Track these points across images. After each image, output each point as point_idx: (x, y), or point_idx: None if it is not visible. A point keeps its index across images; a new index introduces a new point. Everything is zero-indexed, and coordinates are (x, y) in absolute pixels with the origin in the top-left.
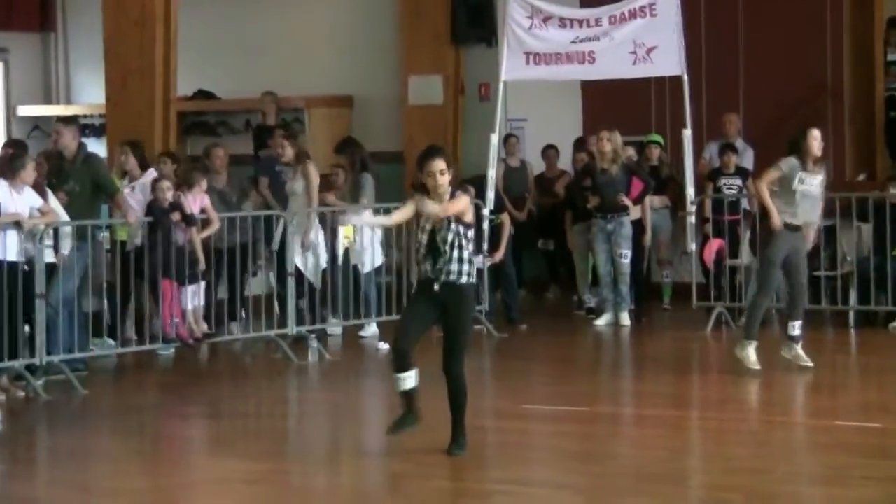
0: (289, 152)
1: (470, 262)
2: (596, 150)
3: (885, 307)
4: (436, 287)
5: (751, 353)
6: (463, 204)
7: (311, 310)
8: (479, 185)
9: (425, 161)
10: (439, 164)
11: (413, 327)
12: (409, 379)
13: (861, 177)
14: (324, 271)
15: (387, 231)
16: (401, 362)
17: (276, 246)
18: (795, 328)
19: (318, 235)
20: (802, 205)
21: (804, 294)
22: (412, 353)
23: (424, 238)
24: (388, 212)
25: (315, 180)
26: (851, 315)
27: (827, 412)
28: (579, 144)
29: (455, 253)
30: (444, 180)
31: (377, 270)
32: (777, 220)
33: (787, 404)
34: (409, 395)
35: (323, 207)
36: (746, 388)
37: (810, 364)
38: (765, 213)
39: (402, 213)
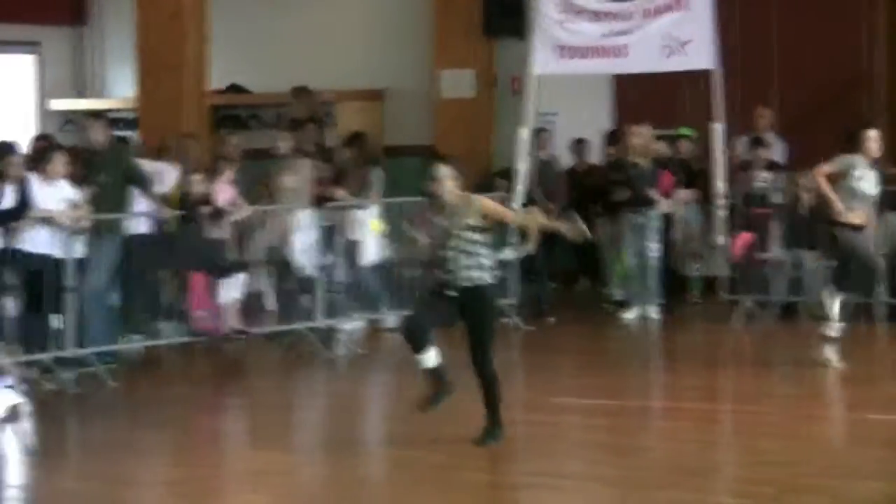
0: (284, 146)
1: (483, 266)
2: (628, 144)
3: None
4: (454, 292)
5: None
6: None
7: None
8: (509, 177)
9: (433, 170)
10: (440, 172)
11: (423, 310)
12: (430, 357)
13: (894, 169)
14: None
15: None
16: (415, 341)
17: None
18: (834, 329)
19: (310, 232)
20: (859, 204)
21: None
22: (426, 331)
23: (438, 241)
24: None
25: (306, 175)
26: (882, 308)
27: (859, 405)
28: (611, 138)
29: (472, 258)
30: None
31: (380, 265)
32: (839, 206)
33: (819, 397)
34: (435, 373)
35: (333, 203)
36: (777, 381)
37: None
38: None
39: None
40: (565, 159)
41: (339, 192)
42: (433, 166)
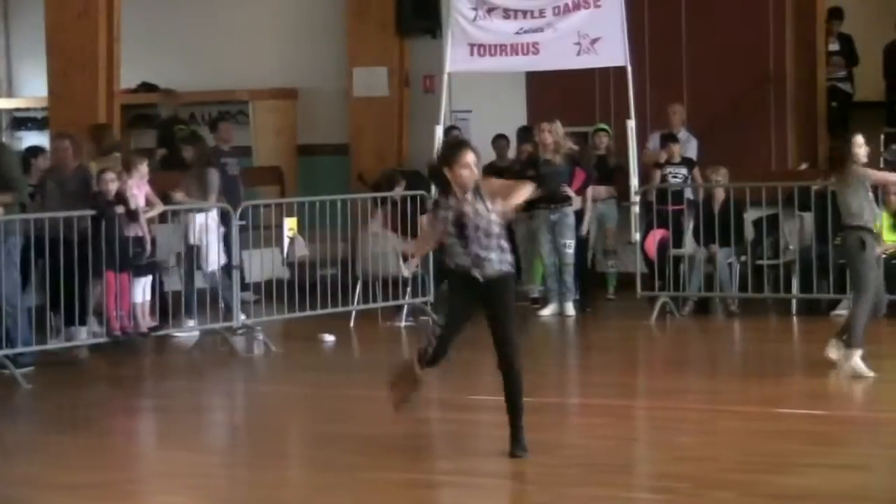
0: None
1: (506, 252)
2: (538, 141)
3: (827, 295)
4: (478, 276)
5: (859, 363)
6: (522, 190)
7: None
8: (415, 178)
9: (458, 152)
10: (472, 156)
11: (457, 324)
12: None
13: (803, 166)
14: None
15: (326, 222)
16: (435, 360)
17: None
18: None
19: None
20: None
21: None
22: (448, 351)
23: (453, 229)
24: (327, 204)
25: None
26: (794, 303)
27: (771, 400)
28: (523, 134)
29: (494, 241)
30: (475, 173)
31: (224, 268)
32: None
33: (732, 393)
34: (417, 376)
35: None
36: (691, 377)
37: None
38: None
39: (432, 230)
40: (485, 156)
41: (178, 195)
42: (463, 151)
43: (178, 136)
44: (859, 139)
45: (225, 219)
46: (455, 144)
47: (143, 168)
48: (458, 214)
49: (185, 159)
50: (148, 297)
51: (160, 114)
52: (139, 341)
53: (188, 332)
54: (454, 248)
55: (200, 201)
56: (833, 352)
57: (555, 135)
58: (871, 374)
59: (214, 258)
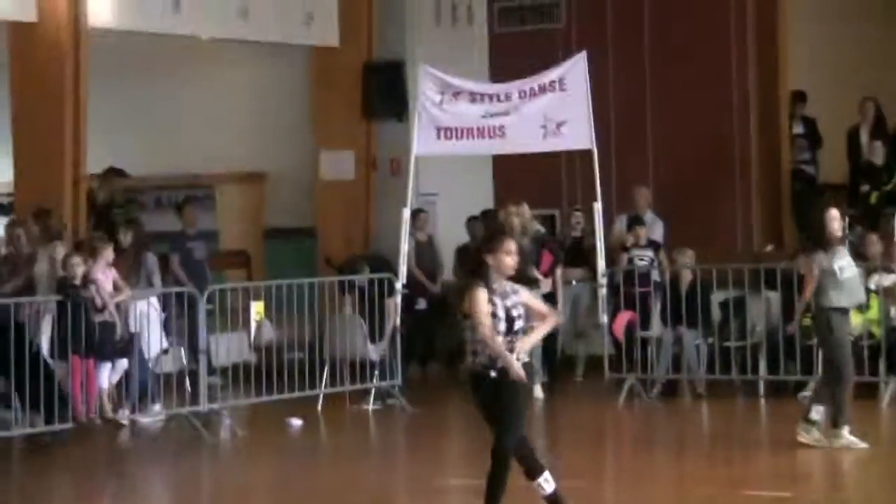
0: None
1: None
2: (505, 224)
3: (794, 377)
4: (493, 374)
5: (849, 436)
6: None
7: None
8: (378, 262)
9: (503, 239)
10: (515, 245)
11: (521, 423)
12: (548, 480)
13: (769, 247)
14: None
15: (293, 305)
16: (531, 464)
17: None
18: (819, 412)
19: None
20: (848, 285)
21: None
22: (533, 450)
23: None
24: (294, 287)
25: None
26: (761, 384)
27: (739, 482)
28: (486, 217)
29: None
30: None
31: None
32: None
33: (700, 475)
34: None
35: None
36: (659, 458)
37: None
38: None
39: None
40: (459, 237)
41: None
42: (506, 240)
43: (117, 220)
44: (834, 212)
45: (192, 303)
46: (499, 231)
47: (109, 253)
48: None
49: (120, 243)
50: (114, 382)
51: (97, 197)
52: (104, 427)
53: (154, 416)
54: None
55: (135, 286)
56: (804, 436)
57: (521, 217)
58: (863, 444)
59: (156, 344)
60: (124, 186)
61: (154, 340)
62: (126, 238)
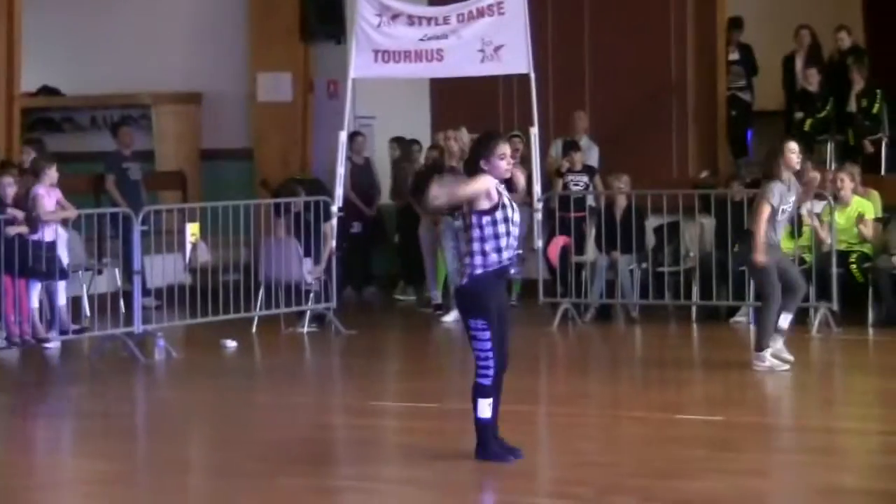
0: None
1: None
2: (444, 148)
3: (726, 302)
4: (513, 271)
5: (772, 359)
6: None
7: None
8: (314, 186)
9: (496, 141)
10: (507, 148)
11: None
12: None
13: (704, 174)
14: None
15: (228, 227)
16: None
17: None
18: (786, 320)
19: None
20: (782, 226)
21: (802, 287)
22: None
23: (502, 225)
24: (230, 209)
25: None
26: (694, 310)
27: (671, 406)
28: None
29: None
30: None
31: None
32: (761, 258)
33: (633, 399)
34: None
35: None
36: (593, 383)
37: (789, 362)
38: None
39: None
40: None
41: None
42: (497, 140)
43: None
44: (793, 145)
45: (127, 223)
46: (492, 135)
47: (53, 172)
48: (503, 206)
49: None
50: (62, 302)
51: None
52: (38, 347)
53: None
54: (492, 243)
55: None
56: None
57: (460, 142)
58: (790, 358)
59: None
60: (60, 105)
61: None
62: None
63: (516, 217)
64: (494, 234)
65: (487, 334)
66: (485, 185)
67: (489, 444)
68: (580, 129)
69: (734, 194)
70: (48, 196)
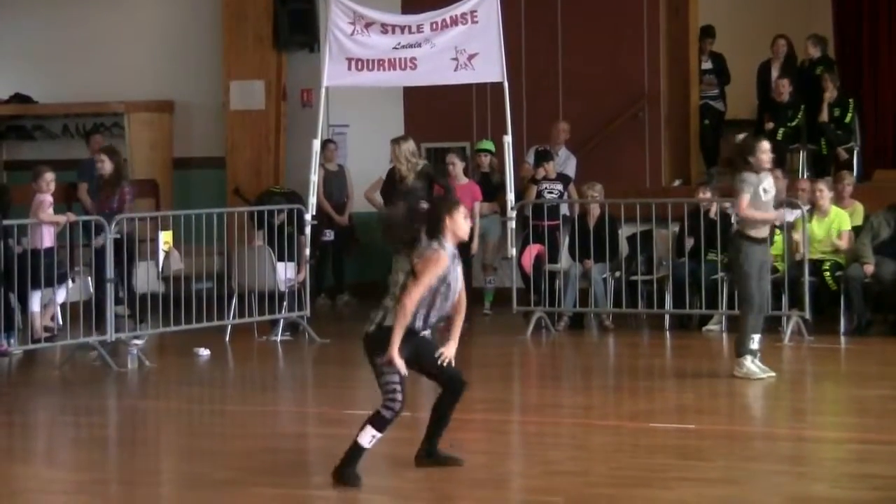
0: (108, 166)
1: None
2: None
3: (699, 310)
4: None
5: (752, 366)
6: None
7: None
8: (291, 196)
9: (459, 204)
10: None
11: None
12: None
13: (676, 182)
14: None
15: (202, 236)
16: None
17: None
18: (755, 341)
19: None
20: (769, 207)
21: (767, 305)
22: None
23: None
24: (203, 217)
25: None
26: (667, 318)
27: (643, 414)
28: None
29: None
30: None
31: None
32: (781, 215)
33: (605, 407)
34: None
35: None
36: (565, 391)
37: (768, 375)
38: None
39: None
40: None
41: None
42: (459, 203)
43: None
44: (766, 144)
45: (99, 231)
46: (453, 194)
47: (49, 177)
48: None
49: None
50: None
51: None
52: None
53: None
54: (423, 311)
55: None
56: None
57: (401, 153)
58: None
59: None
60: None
61: None
62: None
63: (459, 271)
64: (430, 301)
65: (394, 369)
66: (442, 266)
67: (351, 467)
68: (561, 139)
69: (705, 202)
70: (43, 205)
